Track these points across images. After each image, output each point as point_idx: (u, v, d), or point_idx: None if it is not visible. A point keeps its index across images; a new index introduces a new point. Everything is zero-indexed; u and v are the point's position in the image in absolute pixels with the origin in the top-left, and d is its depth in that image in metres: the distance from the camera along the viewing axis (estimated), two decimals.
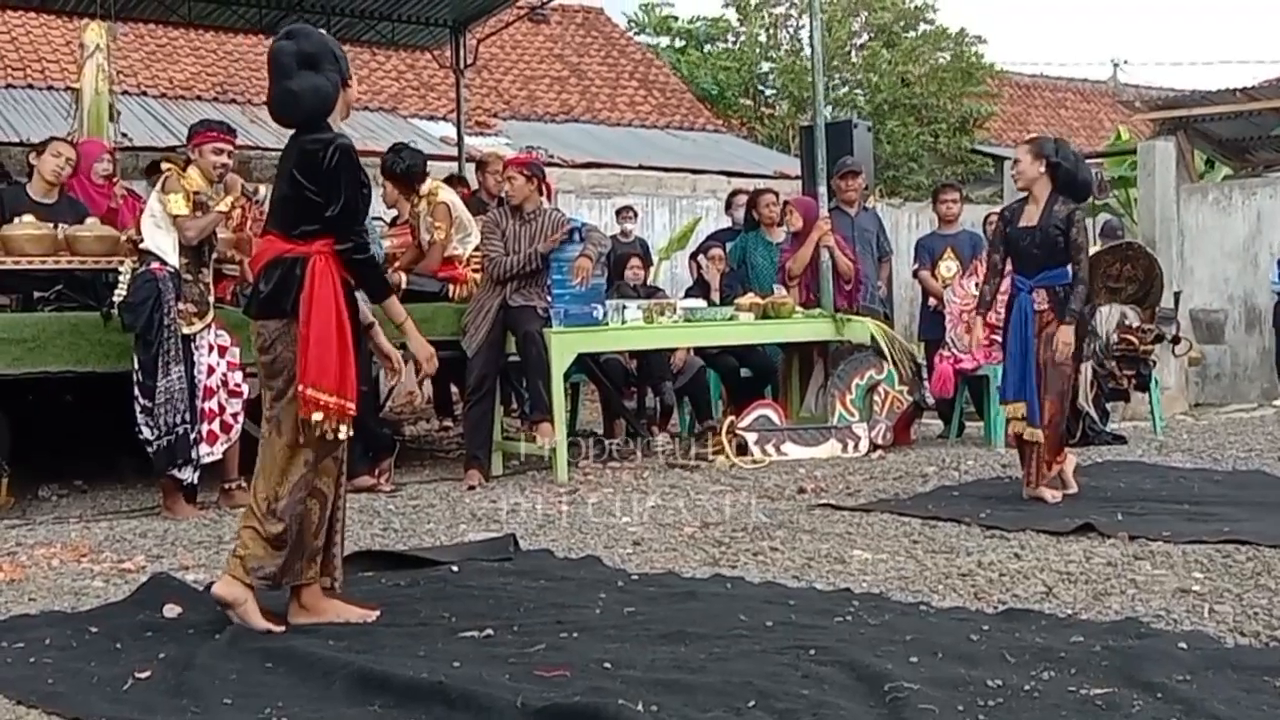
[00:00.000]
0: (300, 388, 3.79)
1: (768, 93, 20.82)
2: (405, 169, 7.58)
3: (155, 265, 5.95)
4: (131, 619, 3.99)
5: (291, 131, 3.98)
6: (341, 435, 3.87)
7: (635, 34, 22.05)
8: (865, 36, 20.74)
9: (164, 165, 6.30)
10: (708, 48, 22.07)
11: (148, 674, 3.38)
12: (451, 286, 7.51)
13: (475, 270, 7.54)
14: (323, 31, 4.07)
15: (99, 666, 3.46)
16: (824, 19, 19.60)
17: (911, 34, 20.74)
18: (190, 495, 6.11)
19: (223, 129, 6.13)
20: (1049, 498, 5.98)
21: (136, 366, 5.96)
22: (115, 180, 7.84)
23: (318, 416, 3.79)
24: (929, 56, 20.50)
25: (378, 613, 3.98)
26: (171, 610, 4.05)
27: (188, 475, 6.00)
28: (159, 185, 6.05)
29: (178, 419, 5.90)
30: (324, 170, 3.84)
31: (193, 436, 5.96)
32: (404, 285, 7.38)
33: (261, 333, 3.93)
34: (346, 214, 3.87)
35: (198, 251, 6.01)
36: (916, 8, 20.95)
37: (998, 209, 6.14)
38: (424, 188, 7.62)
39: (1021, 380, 6.02)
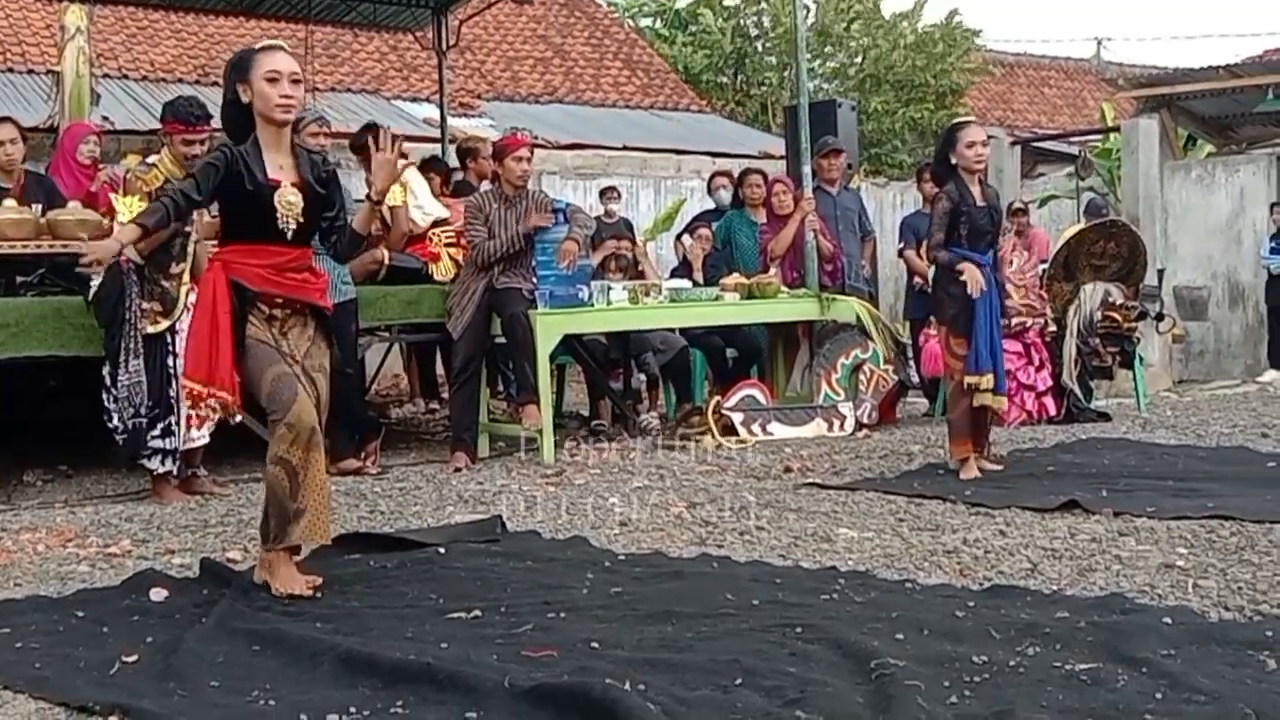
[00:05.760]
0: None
1: (746, 71, 20.77)
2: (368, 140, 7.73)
3: (123, 258, 5.92)
4: (118, 603, 3.99)
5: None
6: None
7: (620, 11, 21.95)
8: (841, 15, 20.62)
9: (128, 159, 6.20)
10: (688, 30, 21.96)
11: (135, 658, 3.37)
12: (431, 266, 7.52)
13: (448, 245, 7.54)
14: (241, 50, 4.21)
15: (85, 651, 3.46)
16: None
17: (880, 20, 20.62)
18: (184, 480, 6.12)
19: (190, 119, 5.90)
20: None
21: (105, 356, 5.97)
22: (101, 166, 7.79)
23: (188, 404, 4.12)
24: (912, 26, 20.41)
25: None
26: (158, 594, 4.05)
27: (156, 465, 5.99)
28: (121, 185, 5.97)
29: (131, 413, 5.90)
30: None
31: (161, 427, 5.93)
32: (387, 262, 7.39)
33: None
34: None
35: (164, 249, 5.94)
36: None
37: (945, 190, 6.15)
38: None
39: (990, 352, 6.11)
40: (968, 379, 6.08)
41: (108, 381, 5.96)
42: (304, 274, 4.18)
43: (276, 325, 4.11)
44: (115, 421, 5.95)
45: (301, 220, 4.11)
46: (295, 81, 4.07)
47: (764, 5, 20.96)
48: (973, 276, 6.01)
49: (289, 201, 4.07)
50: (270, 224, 4.06)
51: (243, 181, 4.02)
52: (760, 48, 21.00)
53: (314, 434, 4.04)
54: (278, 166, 4.09)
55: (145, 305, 5.91)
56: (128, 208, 5.82)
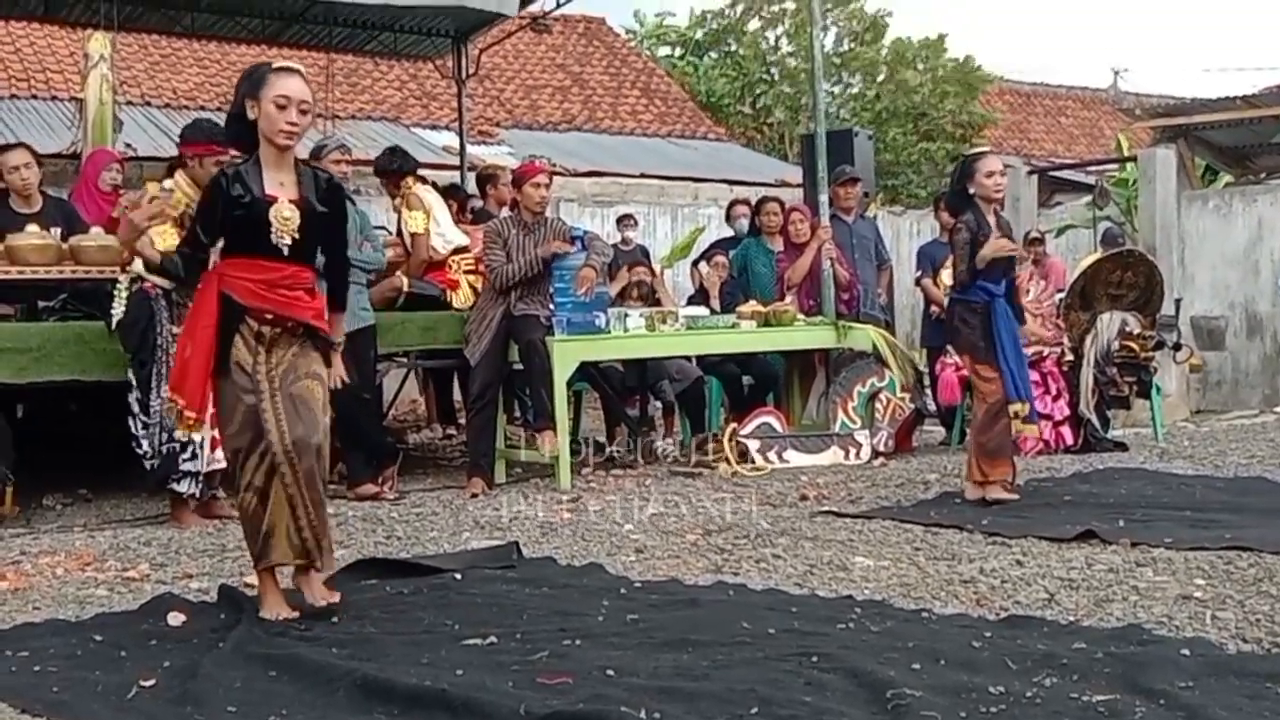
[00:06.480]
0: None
1: (764, 101, 20.86)
2: (398, 166, 7.90)
3: (148, 283, 5.97)
4: (136, 627, 4.00)
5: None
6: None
7: (638, 41, 22.10)
8: (845, 44, 20.79)
9: (149, 186, 6.23)
10: (708, 56, 22.10)
11: (152, 682, 3.38)
12: (449, 292, 7.57)
13: (467, 272, 7.59)
14: (258, 65, 4.25)
15: (103, 675, 3.46)
16: (794, 25, 19.70)
17: (879, 45, 20.76)
18: (203, 504, 6.14)
19: (218, 139, 5.97)
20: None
21: (134, 382, 5.99)
22: (122, 192, 7.84)
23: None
24: (931, 64, 20.53)
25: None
26: (176, 618, 4.06)
27: (185, 487, 6.01)
28: None
29: (166, 439, 5.92)
30: None
31: (192, 450, 5.96)
32: (406, 289, 7.45)
33: None
34: None
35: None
36: (877, 16, 21.00)
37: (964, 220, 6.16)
38: (402, 186, 7.82)
39: (1025, 380, 6.15)
40: (1012, 407, 6.09)
41: (135, 408, 5.97)
42: (297, 292, 4.17)
43: (263, 344, 4.10)
44: (145, 447, 5.97)
45: (297, 236, 4.11)
46: (304, 111, 4.07)
47: (782, 29, 21.09)
48: (997, 244, 6.02)
49: (284, 217, 4.08)
50: (265, 238, 4.07)
51: (240, 196, 4.06)
52: (778, 74, 21.10)
53: (287, 458, 4.03)
54: (278, 183, 4.12)
55: (175, 330, 5.92)
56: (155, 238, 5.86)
